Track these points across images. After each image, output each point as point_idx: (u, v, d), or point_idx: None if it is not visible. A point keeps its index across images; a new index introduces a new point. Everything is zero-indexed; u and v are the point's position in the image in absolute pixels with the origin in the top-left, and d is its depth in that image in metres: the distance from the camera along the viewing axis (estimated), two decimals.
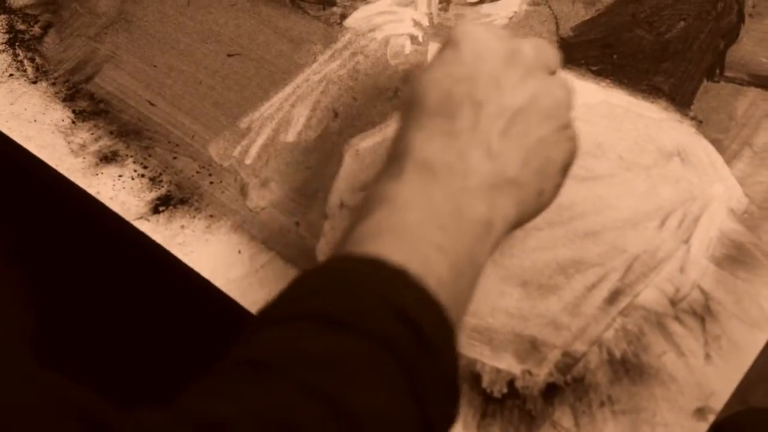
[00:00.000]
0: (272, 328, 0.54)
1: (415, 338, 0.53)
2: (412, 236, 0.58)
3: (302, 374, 0.51)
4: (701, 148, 0.78)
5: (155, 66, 0.89)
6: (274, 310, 0.56)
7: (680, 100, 0.81)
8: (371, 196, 0.61)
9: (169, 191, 0.80)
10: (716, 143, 0.79)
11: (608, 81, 0.83)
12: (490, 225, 0.60)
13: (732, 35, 0.85)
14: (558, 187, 0.66)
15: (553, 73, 0.68)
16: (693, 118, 0.80)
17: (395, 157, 0.62)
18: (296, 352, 0.52)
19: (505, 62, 0.64)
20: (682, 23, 0.86)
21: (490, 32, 0.66)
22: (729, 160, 0.78)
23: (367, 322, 0.53)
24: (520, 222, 0.64)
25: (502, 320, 0.71)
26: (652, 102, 0.81)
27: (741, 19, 0.86)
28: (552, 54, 0.68)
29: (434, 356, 0.54)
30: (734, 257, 0.73)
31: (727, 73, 0.83)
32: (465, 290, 0.60)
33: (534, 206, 0.65)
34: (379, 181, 0.62)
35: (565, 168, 0.66)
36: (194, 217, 0.79)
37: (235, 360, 0.53)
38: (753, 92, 0.81)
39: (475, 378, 0.69)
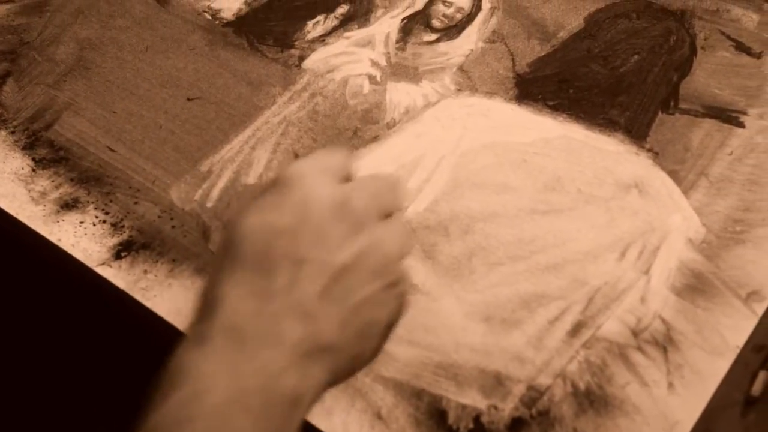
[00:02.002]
0: None
1: None
2: (214, 425, 0.54)
3: None
4: (658, 179, 0.79)
5: (115, 112, 0.89)
6: None
7: (636, 132, 0.82)
8: (173, 367, 0.56)
9: (131, 236, 0.80)
10: (673, 174, 0.79)
11: (565, 115, 0.84)
12: (299, 399, 0.56)
13: (685, 68, 0.86)
14: (377, 349, 0.62)
15: (390, 215, 0.63)
16: (649, 150, 0.81)
17: (205, 312, 0.58)
18: None
19: (333, 214, 0.59)
20: (636, 57, 0.87)
21: (322, 177, 0.61)
22: (686, 191, 0.78)
23: None
24: (330, 387, 0.60)
25: (467, 356, 0.71)
26: (609, 135, 0.82)
27: (693, 51, 0.87)
28: (390, 197, 0.63)
29: None
30: (694, 286, 0.73)
31: (682, 105, 0.84)
32: None
33: (348, 370, 0.61)
34: (184, 346, 0.57)
35: (389, 328, 0.62)
36: (157, 261, 0.79)
37: None
38: (707, 123, 0.82)
39: (441, 414, 0.69)
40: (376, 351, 0.62)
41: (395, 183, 0.64)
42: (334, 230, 0.58)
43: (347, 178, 0.63)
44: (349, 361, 0.59)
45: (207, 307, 0.57)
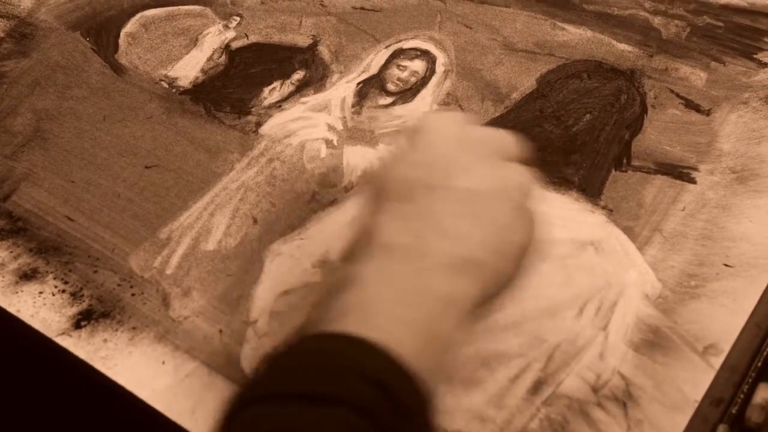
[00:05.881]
0: (255, 407, 0.54)
1: (391, 404, 0.54)
2: (374, 313, 0.58)
3: None
4: (614, 236, 0.80)
5: (73, 181, 0.89)
6: (253, 390, 0.57)
7: (590, 190, 0.83)
8: (336, 278, 0.62)
9: (90, 305, 0.80)
10: (627, 231, 0.80)
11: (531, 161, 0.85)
12: (450, 302, 0.60)
13: (636, 126, 0.88)
14: (516, 269, 0.66)
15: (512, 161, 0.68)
16: (604, 208, 0.82)
17: (359, 240, 0.64)
18: (282, 427, 0.53)
19: (459, 147, 0.66)
20: (588, 116, 0.88)
21: (447, 120, 0.69)
22: (641, 247, 0.79)
23: (345, 393, 0.54)
24: (484, 299, 0.64)
25: None
26: (564, 193, 0.83)
27: (644, 110, 0.89)
28: (508, 143, 0.68)
29: (411, 421, 0.55)
30: (651, 341, 0.74)
31: (634, 163, 0.85)
32: (432, 363, 0.59)
33: (494, 285, 0.65)
34: (344, 263, 0.64)
35: (522, 248, 0.66)
36: (117, 330, 0.78)
37: None
38: (659, 180, 0.83)
39: None
40: (514, 270, 0.66)
41: (509, 134, 0.70)
42: (461, 159, 0.65)
43: None
44: (492, 277, 0.63)
45: (361, 234, 0.64)
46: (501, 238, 0.64)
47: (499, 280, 0.65)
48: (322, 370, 0.55)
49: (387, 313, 0.59)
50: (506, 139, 0.69)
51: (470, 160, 0.65)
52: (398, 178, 0.65)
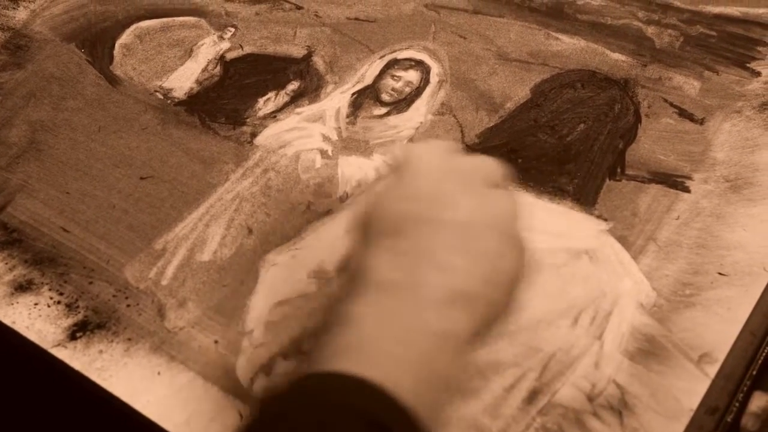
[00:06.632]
0: None
1: None
2: (370, 352, 0.58)
3: None
4: (608, 245, 0.80)
5: (68, 193, 0.89)
6: None
7: (585, 199, 0.83)
8: (329, 319, 0.62)
9: (86, 316, 0.80)
10: (622, 240, 0.80)
11: (514, 185, 0.85)
12: (446, 337, 0.60)
13: (630, 135, 0.88)
14: (509, 295, 0.66)
15: (497, 187, 0.68)
16: (598, 217, 0.82)
17: (351, 278, 0.63)
18: None
19: (444, 178, 0.65)
20: (582, 125, 0.89)
21: (429, 150, 0.68)
22: (635, 256, 0.79)
23: None
24: (480, 332, 0.63)
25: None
26: (558, 203, 0.83)
27: (638, 119, 0.89)
28: (493, 169, 0.68)
29: None
30: (647, 350, 0.74)
31: (628, 172, 0.85)
32: (430, 399, 0.59)
33: (489, 316, 0.64)
34: (338, 302, 0.62)
35: (515, 276, 0.65)
36: (112, 341, 0.78)
37: None
38: (654, 189, 0.83)
39: None
40: (508, 299, 0.65)
41: (494, 161, 0.69)
42: (448, 190, 0.65)
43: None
44: (486, 308, 0.63)
45: (352, 272, 0.64)
46: (493, 268, 0.63)
47: (493, 311, 0.65)
48: (321, 412, 0.55)
49: (383, 352, 0.58)
50: (489, 166, 0.69)
51: (456, 190, 0.65)
52: (387, 213, 0.65)
